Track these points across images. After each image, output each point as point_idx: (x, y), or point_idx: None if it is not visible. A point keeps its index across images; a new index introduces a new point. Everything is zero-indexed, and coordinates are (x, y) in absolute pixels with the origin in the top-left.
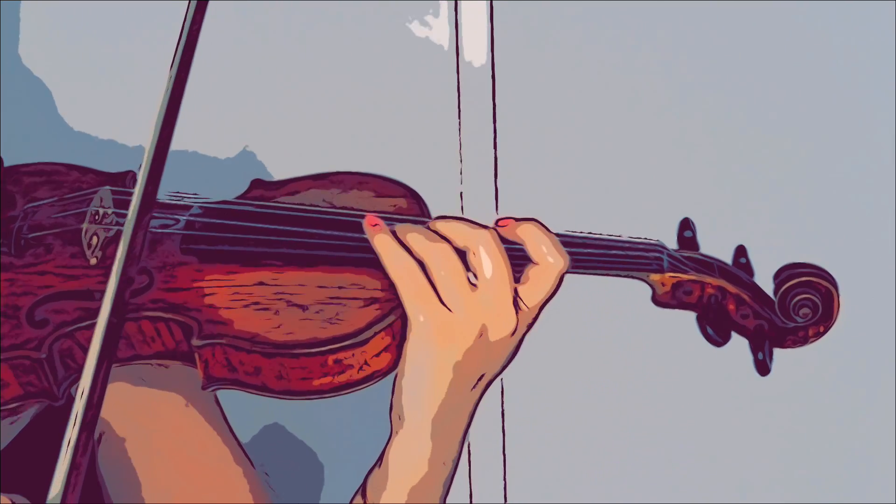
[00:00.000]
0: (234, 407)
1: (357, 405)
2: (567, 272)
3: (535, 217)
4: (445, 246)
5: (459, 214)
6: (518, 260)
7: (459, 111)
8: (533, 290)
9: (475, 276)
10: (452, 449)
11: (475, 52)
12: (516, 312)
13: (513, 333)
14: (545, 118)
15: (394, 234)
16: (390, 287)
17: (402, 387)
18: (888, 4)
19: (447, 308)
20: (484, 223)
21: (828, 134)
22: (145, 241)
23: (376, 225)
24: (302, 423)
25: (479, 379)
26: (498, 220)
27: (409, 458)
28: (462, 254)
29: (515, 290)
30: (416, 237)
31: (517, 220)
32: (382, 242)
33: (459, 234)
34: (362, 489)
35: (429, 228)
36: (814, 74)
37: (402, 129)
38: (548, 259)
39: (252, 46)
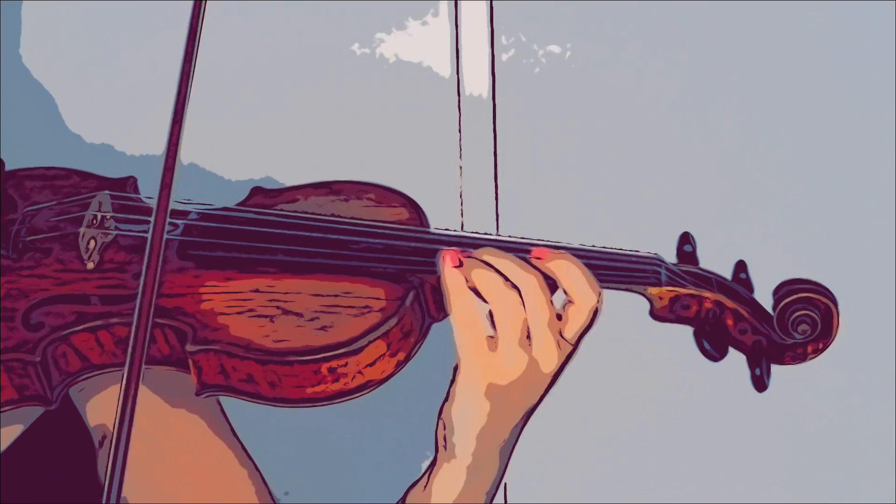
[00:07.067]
0: (237, 410)
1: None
2: None
3: (537, 221)
4: (516, 297)
5: (459, 224)
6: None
7: (460, 115)
8: (572, 327)
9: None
10: (495, 480)
11: (475, 54)
12: (558, 350)
13: (554, 370)
14: (545, 129)
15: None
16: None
17: (453, 421)
18: (888, 4)
19: (498, 354)
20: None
21: (831, 149)
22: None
23: (457, 265)
24: (308, 425)
25: (524, 415)
26: (532, 251)
27: (453, 486)
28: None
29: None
30: (488, 282)
31: (550, 251)
32: (453, 281)
33: (509, 274)
34: None
35: (482, 260)
36: (815, 85)
37: (403, 136)
38: (583, 298)
39: (253, 55)
